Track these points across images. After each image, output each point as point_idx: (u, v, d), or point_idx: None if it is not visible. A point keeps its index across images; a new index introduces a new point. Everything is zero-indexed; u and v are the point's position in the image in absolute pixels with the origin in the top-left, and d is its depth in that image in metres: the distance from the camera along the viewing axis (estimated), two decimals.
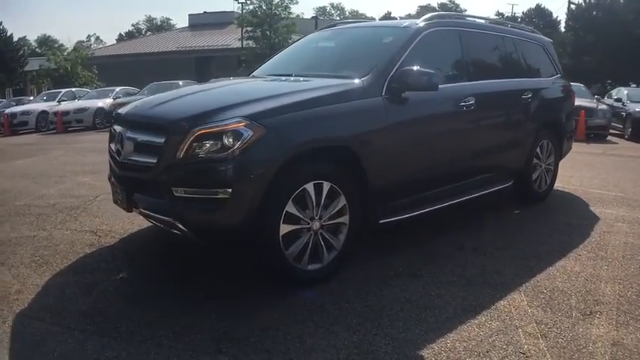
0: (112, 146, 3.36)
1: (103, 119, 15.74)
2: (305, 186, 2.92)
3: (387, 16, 66.14)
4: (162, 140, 2.85)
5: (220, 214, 2.74)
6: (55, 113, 16.06)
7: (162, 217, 2.91)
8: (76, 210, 4.73)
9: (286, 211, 2.86)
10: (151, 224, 4.16)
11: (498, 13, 57.89)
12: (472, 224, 4.39)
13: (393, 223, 3.50)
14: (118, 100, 15.01)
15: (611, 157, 9.34)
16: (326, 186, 3.01)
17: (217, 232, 2.85)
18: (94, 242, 3.84)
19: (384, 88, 3.37)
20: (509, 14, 55.62)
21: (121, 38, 61.31)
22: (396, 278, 3.24)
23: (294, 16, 29.81)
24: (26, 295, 2.97)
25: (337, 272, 3.19)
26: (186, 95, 3.48)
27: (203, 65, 32.03)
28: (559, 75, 5.42)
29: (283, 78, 3.82)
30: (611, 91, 16.16)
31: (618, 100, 14.00)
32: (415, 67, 3.42)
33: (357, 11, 69.95)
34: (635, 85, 19.05)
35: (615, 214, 4.77)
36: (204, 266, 3.45)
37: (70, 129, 15.95)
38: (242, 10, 29.10)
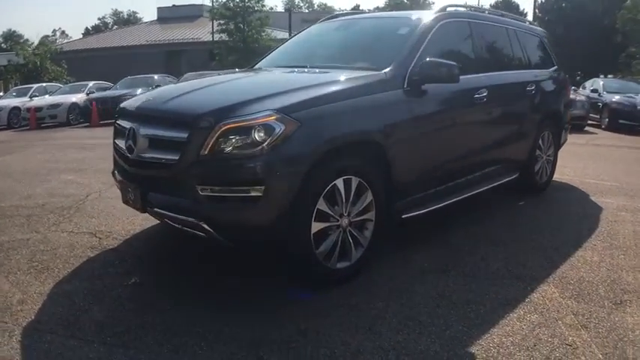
0: (120, 142, 3.11)
1: (77, 115, 15.09)
2: (335, 182, 2.77)
3: (357, 9, 65.82)
4: (184, 136, 2.62)
5: (252, 213, 2.55)
6: (28, 109, 15.25)
7: (184, 217, 2.67)
8: (68, 210, 4.41)
9: (317, 208, 2.70)
10: (155, 224, 3.96)
11: (466, 6, 58.72)
12: (482, 217, 4.31)
13: (415, 217, 3.38)
14: (92, 96, 14.41)
15: (595, 147, 9.47)
16: (354, 181, 2.87)
17: (247, 232, 2.65)
18: (96, 245, 3.57)
19: (406, 80, 3.26)
20: (476, 6, 56.28)
21: (87, 32, 59.06)
22: (424, 274, 3.12)
23: (267, 8, 29.32)
24: (30, 305, 2.70)
25: (364, 270, 3.05)
26: (204, 87, 3.23)
27: (173, 59, 31.18)
28: (556, 67, 5.41)
29: (298, 70, 3.62)
30: (586, 83, 16.14)
31: (594, 90, 14.01)
32: (436, 59, 3.31)
33: (325, 4, 69.31)
34: (603, 77, 19.49)
35: (616, 203, 4.78)
36: (222, 266, 3.24)
37: (43, 125, 15.18)
38: (212, 3, 28.42)
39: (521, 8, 54.65)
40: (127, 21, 62.00)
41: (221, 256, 3.35)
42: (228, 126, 2.53)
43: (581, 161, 7.30)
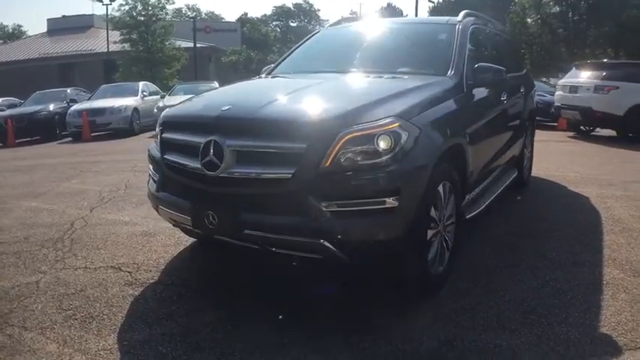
0: (184, 160, 2.57)
1: None
2: (438, 187, 2.57)
3: (244, 17, 65.12)
4: (302, 146, 2.23)
5: (386, 226, 2.26)
6: None
7: (296, 238, 2.28)
8: (61, 242, 3.60)
9: (430, 215, 2.47)
10: (181, 249, 3.41)
11: (352, 12, 61.13)
12: (493, 213, 4.35)
13: (474, 217, 3.27)
14: (4, 113, 12.40)
15: (554, 144, 9.66)
16: (447, 186, 2.69)
17: (375, 246, 2.32)
18: (130, 280, 2.92)
19: (464, 84, 3.19)
20: (363, 13, 58.69)
21: None
22: (500, 271, 3.06)
23: (170, 17, 27.79)
24: None
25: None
26: (291, 93, 2.76)
27: (66, 72, 28.29)
28: (525, 69, 5.70)
29: (360, 75, 3.29)
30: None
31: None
32: (487, 64, 3.31)
33: (213, 12, 67.12)
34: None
35: (594, 192, 5.10)
36: (289, 287, 2.84)
37: None
38: (107, 12, 26.23)
39: (405, 13, 58.56)
40: (12, 35, 54.95)
41: (274, 276, 2.96)
42: (353, 134, 2.23)
43: (549, 157, 7.47)
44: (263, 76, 3.86)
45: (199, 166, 2.43)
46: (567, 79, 10.62)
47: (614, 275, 2.98)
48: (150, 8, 24.80)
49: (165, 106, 12.58)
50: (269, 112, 2.48)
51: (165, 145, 2.74)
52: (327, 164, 2.21)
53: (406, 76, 3.16)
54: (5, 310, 2.58)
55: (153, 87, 15.31)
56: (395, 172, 2.25)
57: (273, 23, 64.20)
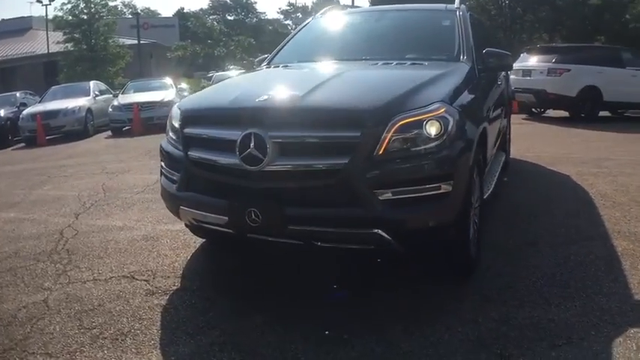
0: (216, 156, 2.38)
1: None
2: (473, 170, 2.53)
3: (181, 12, 62.82)
4: (356, 135, 2.12)
5: (441, 211, 2.22)
6: None
7: (349, 230, 2.18)
8: (57, 254, 3.26)
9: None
10: (192, 251, 3.19)
11: (290, 4, 60.64)
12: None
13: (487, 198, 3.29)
14: None
15: (513, 126, 9.93)
16: (474, 169, 2.65)
17: (430, 233, 2.27)
18: (151, 289, 2.68)
19: (475, 69, 3.15)
20: (300, 4, 58.31)
21: None
22: (521, 249, 3.08)
23: (112, 16, 26.31)
24: None
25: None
26: (326, 81, 2.59)
27: (7, 76, 26.18)
28: None
29: (377, 62, 3.11)
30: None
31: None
32: (494, 49, 3.31)
33: (148, 8, 64.21)
34: None
35: (572, 170, 5.25)
36: (315, 282, 2.70)
37: None
38: (46, 13, 24.59)
39: (341, 3, 58.82)
40: None
41: (302, 271, 2.83)
42: (405, 120, 2.16)
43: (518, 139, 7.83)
44: (264, 66, 3.65)
45: (237, 161, 2.24)
46: (520, 64, 11.02)
47: (624, 247, 3.08)
48: (92, 6, 23.43)
49: (122, 105, 12.12)
50: (316, 100, 2.33)
51: (189, 141, 2.50)
52: (381, 152, 2.13)
53: (426, 63, 3.08)
54: (19, 337, 2.27)
55: (103, 86, 14.46)
56: (448, 157, 2.21)
57: (211, 17, 62.54)
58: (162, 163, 2.83)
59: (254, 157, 2.19)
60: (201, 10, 61.79)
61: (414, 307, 2.41)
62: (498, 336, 2.14)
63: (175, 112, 2.72)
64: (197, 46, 41.48)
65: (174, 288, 2.70)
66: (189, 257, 3.15)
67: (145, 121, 11.33)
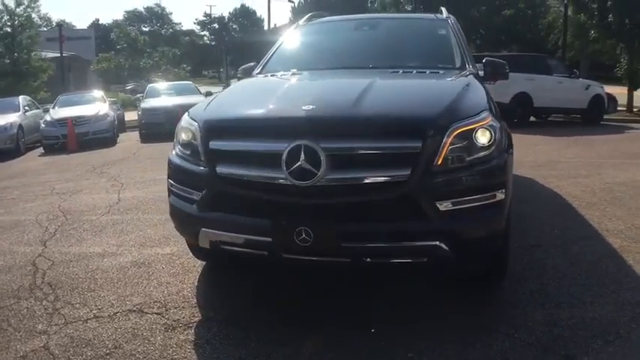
0: (252, 171, 2.14)
1: None
2: None
3: (96, 24, 59.58)
4: (417, 145, 2.00)
5: (495, 220, 2.16)
6: None
7: (406, 244, 2.04)
8: (39, 290, 2.77)
9: None
10: (194, 277, 2.99)
11: (206, 15, 59.83)
12: None
13: None
14: None
15: None
16: None
17: (485, 241, 2.20)
18: (169, 323, 2.34)
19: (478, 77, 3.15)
20: (217, 15, 57.76)
21: None
22: (528, 251, 3.13)
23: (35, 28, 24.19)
24: None
25: None
26: (365, 90, 2.38)
27: None
28: None
29: (385, 71, 2.99)
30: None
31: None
32: (493, 59, 3.33)
33: (64, 20, 60.07)
34: None
35: (531, 173, 5.54)
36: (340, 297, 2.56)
37: None
38: None
39: (258, 14, 58.75)
40: None
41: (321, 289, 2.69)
42: (461, 129, 2.09)
43: None
44: (258, 74, 3.40)
45: (283, 176, 2.02)
46: None
47: (619, 244, 3.22)
48: (16, 18, 21.39)
49: (55, 120, 11.04)
50: (371, 109, 2.19)
51: (217, 156, 2.22)
52: (440, 162, 2.03)
53: (441, 72, 3.03)
54: None
55: (31, 100, 13.19)
56: (500, 166, 2.16)
57: (128, 28, 60.59)
58: (172, 181, 2.52)
59: (305, 172, 1.98)
60: (117, 21, 59.10)
61: (459, 318, 2.32)
62: (554, 337, 2.13)
63: (190, 123, 2.42)
64: (121, 58, 39.46)
65: (196, 320, 2.39)
66: (196, 283, 2.84)
67: (80, 136, 10.49)
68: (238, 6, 60.30)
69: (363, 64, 3.19)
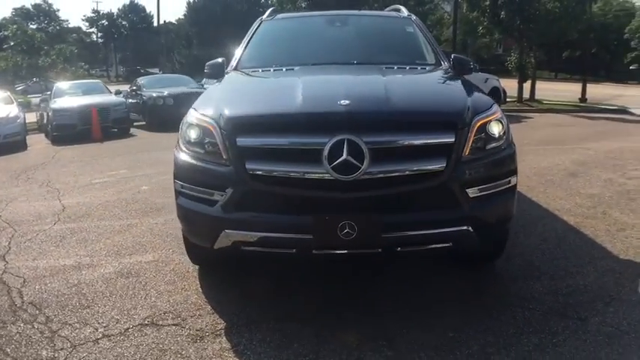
0: (289, 167, 2.05)
1: None
2: None
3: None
4: (450, 137, 2.09)
5: (510, 204, 2.34)
6: None
7: (440, 230, 2.10)
8: (24, 311, 2.37)
9: None
10: (195, 277, 2.84)
11: (95, 11, 56.35)
12: None
13: None
14: None
15: None
16: None
17: (503, 224, 2.38)
18: (195, 334, 2.16)
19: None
20: (105, 12, 54.92)
21: None
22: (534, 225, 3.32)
23: None
24: None
25: None
26: (386, 85, 2.42)
27: None
28: None
29: (371, 67, 3.00)
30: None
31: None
32: (461, 56, 3.44)
33: None
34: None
35: None
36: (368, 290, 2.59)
37: None
38: None
39: (147, 10, 55.98)
40: None
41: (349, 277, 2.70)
42: (481, 121, 2.22)
43: None
44: (235, 70, 3.16)
45: (325, 171, 1.97)
46: None
47: (574, 221, 3.57)
48: None
49: None
50: (406, 103, 2.26)
51: (246, 153, 2.09)
52: (467, 152, 2.14)
53: (427, 67, 3.13)
54: None
55: None
56: (512, 154, 2.33)
57: (14, 26, 54.65)
58: (182, 182, 2.31)
59: (349, 166, 1.96)
60: (5, 19, 52.67)
61: (470, 298, 2.47)
62: (563, 305, 2.35)
63: (204, 121, 2.24)
64: (18, 57, 35.30)
65: (222, 326, 2.23)
66: (199, 289, 2.65)
67: None
68: (127, 2, 56.36)
69: (347, 59, 3.18)
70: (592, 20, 19.78)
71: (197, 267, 2.89)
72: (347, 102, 2.11)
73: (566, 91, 17.66)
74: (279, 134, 2.09)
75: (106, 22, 56.84)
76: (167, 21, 50.39)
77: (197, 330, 2.21)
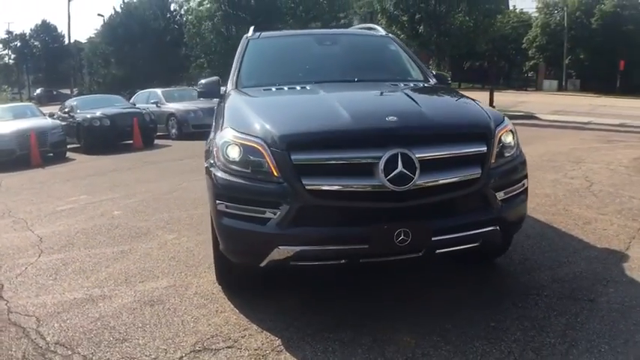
0: (345, 181, 2.13)
1: None
2: None
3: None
4: (483, 147, 2.33)
5: (525, 204, 2.62)
6: None
7: (476, 231, 2.30)
8: (52, 353, 2.14)
9: None
10: (223, 295, 2.79)
11: (8, 32, 52.78)
12: None
13: None
14: None
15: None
16: None
17: (519, 223, 2.60)
18: (257, 353, 2.13)
19: None
20: (19, 32, 51.79)
21: None
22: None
23: None
24: None
25: None
26: (416, 101, 2.64)
27: None
28: None
29: (370, 85, 3.15)
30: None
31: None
32: (440, 72, 3.77)
33: None
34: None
35: None
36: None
37: None
38: None
39: (59, 30, 53.14)
40: None
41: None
42: (501, 132, 2.48)
43: None
44: (237, 90, 3.12)
45: (381, 183, 2.09)
46: None
47: (546, 218, 3.91)
48: None
49: None
50: (446, 120, 2.48)
51: (302, 169, 2.13)
52: (493, 160, 2.37)
53: (421, 84, 3.31)
54: None
55: None
56: (523, 160, 2.61)
57: None
58: (227, 202, 2.27)
59: (403, 177, 2.10)
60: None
61: (485, 291, 2.68)
62: (572, 290, 2.63)
63: (247, 139, 2.26)
64: None
65: (279, 342, 2.21)
66: (235, 309, 2.58)
67: None
68: (39, 22, 52.69)
69: (346, 77, 3.28)
70: (498, 33, 21.76)
71: (220, 288, 2.83)
72: (394, 118, 2.25)
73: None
74: (334, 150, 2.16)
75: (19, 43, 52.70)
76: (77, 40, 47.67)
77: (255, 350, 2.17)
